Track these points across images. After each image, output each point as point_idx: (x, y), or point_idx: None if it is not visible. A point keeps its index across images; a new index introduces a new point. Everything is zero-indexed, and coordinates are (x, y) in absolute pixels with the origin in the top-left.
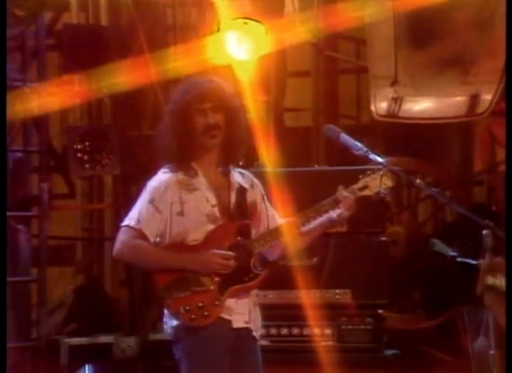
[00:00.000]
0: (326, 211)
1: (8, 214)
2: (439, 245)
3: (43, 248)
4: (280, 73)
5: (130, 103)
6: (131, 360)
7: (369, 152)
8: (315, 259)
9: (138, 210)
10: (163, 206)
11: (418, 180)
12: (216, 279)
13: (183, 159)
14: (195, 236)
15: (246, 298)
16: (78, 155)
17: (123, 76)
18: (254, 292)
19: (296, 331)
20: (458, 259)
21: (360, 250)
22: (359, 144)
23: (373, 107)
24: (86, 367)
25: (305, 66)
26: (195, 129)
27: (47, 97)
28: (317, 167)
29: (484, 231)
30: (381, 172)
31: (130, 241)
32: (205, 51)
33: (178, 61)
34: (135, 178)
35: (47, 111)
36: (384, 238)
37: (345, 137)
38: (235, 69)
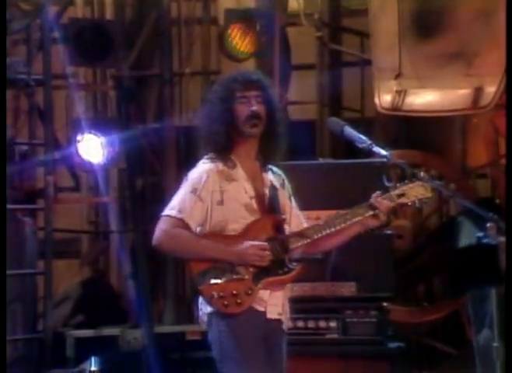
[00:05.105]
0: (359, 215)
1: (15, 206)
2: (466, 225)
3: (50, 241)
4: (284, 66)
5: (134, 96)
6: (137, 353)
7: (373, 145)
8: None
9: (180, 200)
10: (204, 195)
11: (422, 173)
12: (251, 269)
13: (223, 147)
14: (234, 226)
15: (280, 291)
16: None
17: (127, 70)
18: (289, 286)
19: (300, 324)
20: (484, 241)
21: (365, 243)
22: (363, 137)
23: (377, 100)
24: (92, 359)
25: (309, 59)
26: (238, 116)
27: (52, 90)
28: (321, 160)
29: (488, 224)
30: (420, 183)
31: (170, 230)
32: (209, 45)
33: (183, 55)
34: (140, 171)
35: (52, 104)
36: (389, 232)
37: (348, 130)
38: (239, 62)
